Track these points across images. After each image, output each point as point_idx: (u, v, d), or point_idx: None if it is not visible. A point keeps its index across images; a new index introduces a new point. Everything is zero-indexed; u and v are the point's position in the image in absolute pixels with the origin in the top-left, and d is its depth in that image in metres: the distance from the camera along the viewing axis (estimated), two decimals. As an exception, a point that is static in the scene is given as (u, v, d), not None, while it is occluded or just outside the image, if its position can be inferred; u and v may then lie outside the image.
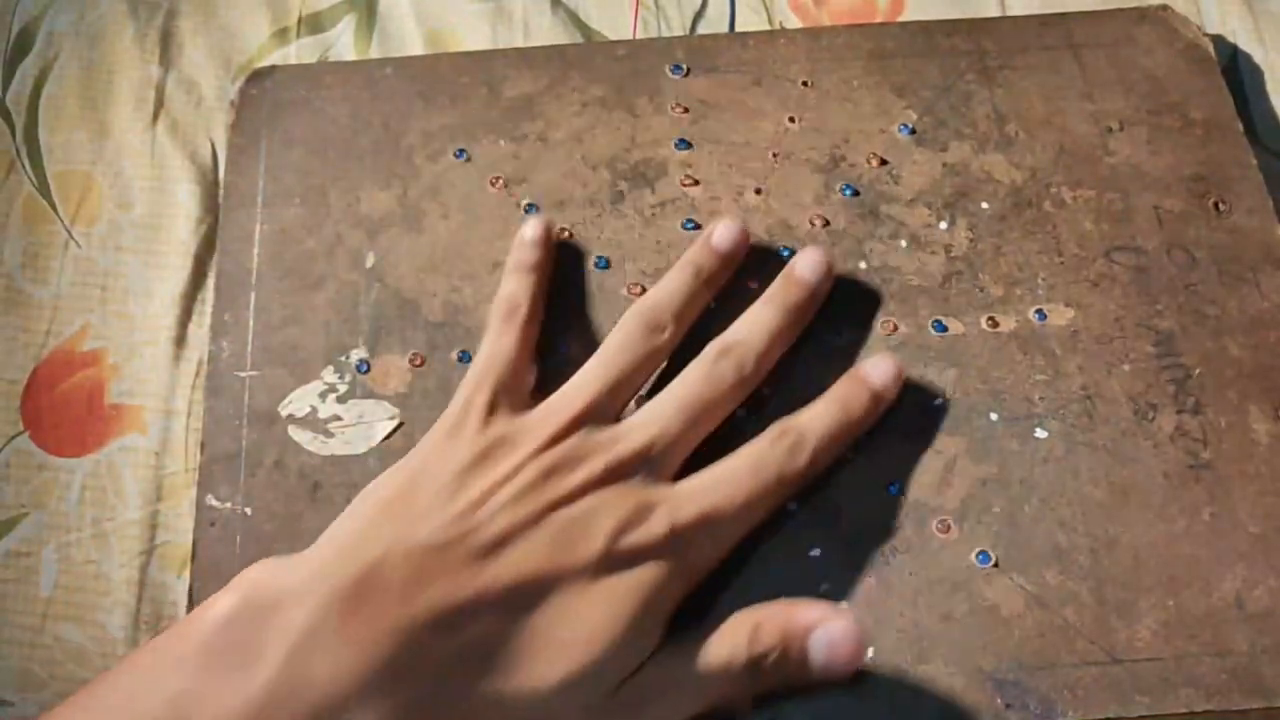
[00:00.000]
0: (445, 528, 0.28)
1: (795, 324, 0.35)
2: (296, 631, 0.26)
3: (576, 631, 0.28)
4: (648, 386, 0.34)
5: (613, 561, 0.29)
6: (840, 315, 0.36)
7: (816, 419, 0.33)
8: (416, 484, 0.30)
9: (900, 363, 0.34)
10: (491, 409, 0.31)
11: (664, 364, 0.34)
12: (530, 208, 0.38)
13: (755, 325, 0.34)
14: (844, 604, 0.32)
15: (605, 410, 0.32)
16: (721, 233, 0.35)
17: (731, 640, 0.29)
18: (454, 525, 0.28)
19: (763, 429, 0.34)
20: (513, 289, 0.35)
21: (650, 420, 0.32)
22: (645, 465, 0.31)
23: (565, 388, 0.32)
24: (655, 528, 0.29)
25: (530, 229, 0.36)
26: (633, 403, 0.33)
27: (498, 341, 0.33)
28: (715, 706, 0.29)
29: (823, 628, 0.29)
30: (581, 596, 0.28)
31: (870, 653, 0.31)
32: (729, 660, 0.29)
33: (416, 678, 0.26)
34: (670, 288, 0.34)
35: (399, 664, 0.26)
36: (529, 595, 0.28)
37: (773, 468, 0.31)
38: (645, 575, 0.29)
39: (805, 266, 0.35)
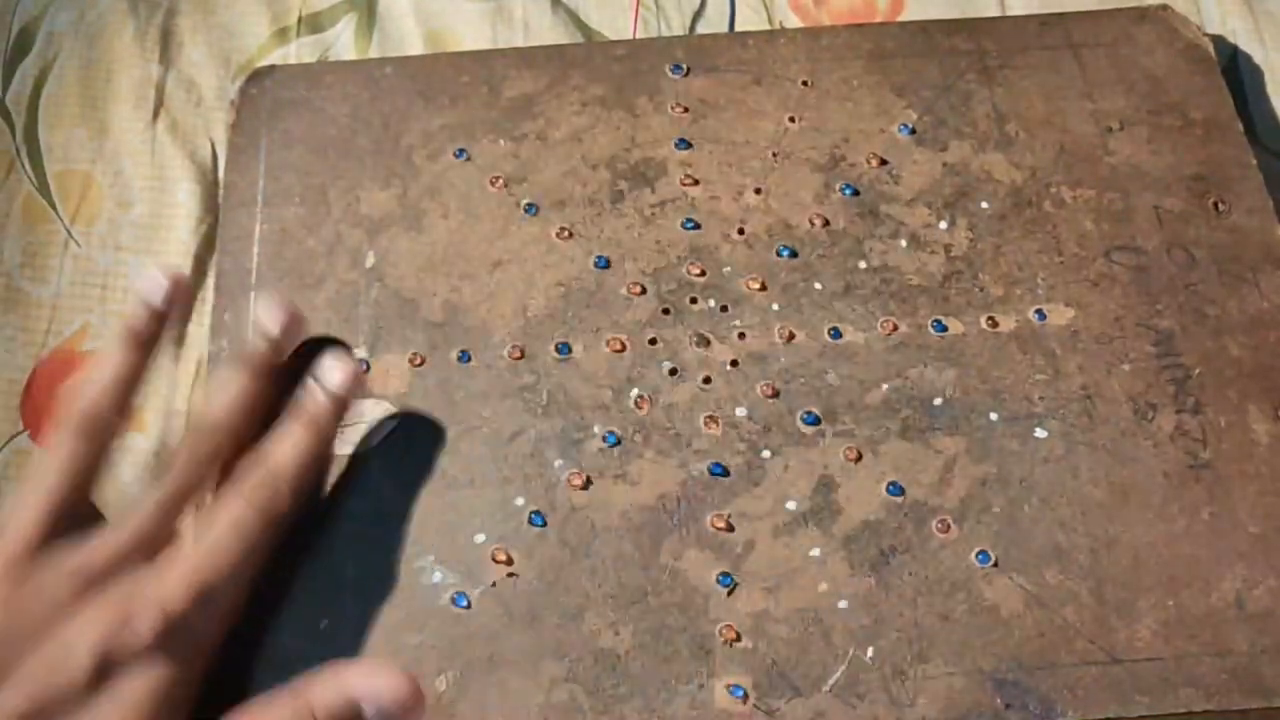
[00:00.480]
0: None
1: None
2: None
3: None
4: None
5: (107, 678, 0.27)
6: (840, 315, 0.36)
7: (285, 450, 0.31)
8: None
9: (353, 363, 0.33)
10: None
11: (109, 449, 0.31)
12: (530, 207, 0.38)
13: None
14: (843, 603, 0.32)
15: (62, 526, 0.29)
16: (145, 284, 0.33)
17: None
18: None
19: (771, 436, 0.34)
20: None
21: (119, 521, 0.30)
22: (124, 565, 0.29)
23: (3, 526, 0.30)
24: (145, 624, 0.28)
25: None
26: None
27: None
28: None
29: (374, 697, 0.28)
30: None
31: (870, 652, 0.31)
32: None
33: None
34: (94, 375, 0.31)
35: None
36: None
37: (256, 519, 0.30)
38: (150, 678, 0.28)
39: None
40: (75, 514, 0.30)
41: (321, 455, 0.33)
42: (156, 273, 0.33)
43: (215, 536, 0.30)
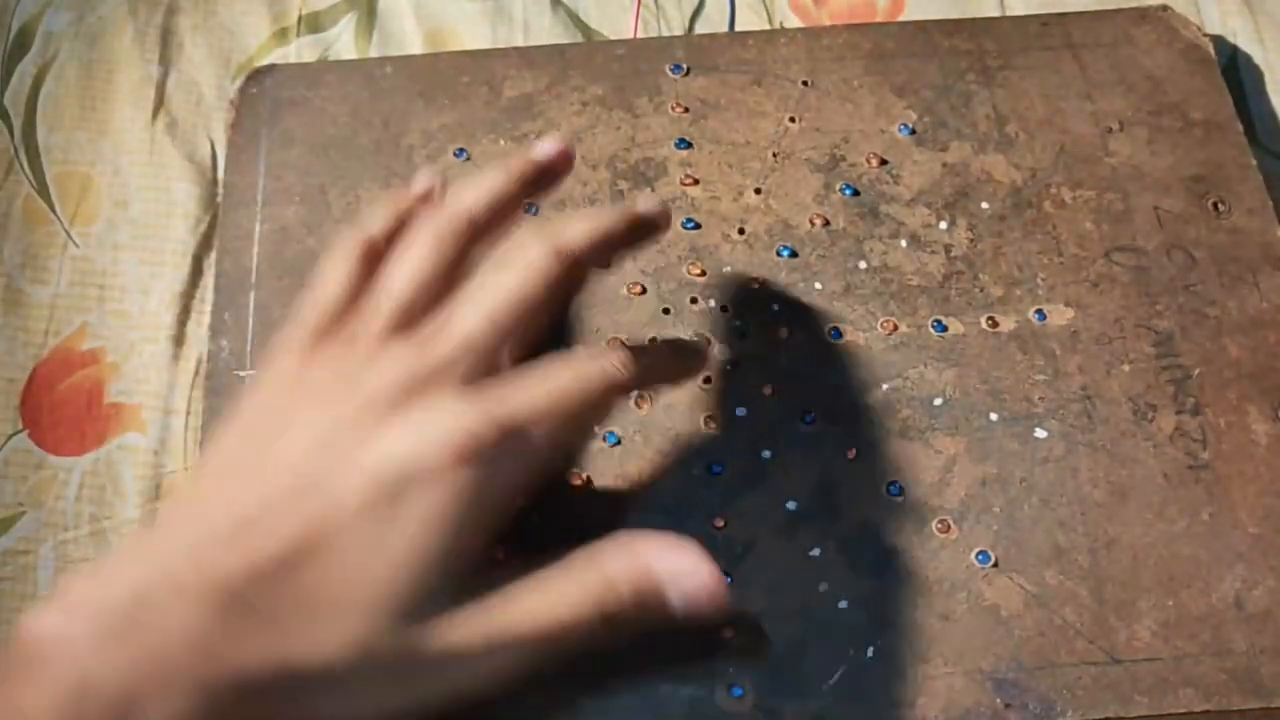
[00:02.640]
0: (214, 517, 0.26)
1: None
2: (67, 676, 0.23)
3: (353, 588, 0.25)
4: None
5: (399, 490, 0.26)
6: (840, 315, 0.36)
7: (643, 354, 0.30)
8: (202, 477, 0.28)
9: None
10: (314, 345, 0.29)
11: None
12: (530, 207, 0.38)
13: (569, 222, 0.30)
14: (843, 603, 0.32)
15: (417, 311, 0.29)
16: (542, 147, 0.31)
17: (582, 595, 0.27)
18: (223, 509, 0.26)
19: (772, 436, 0.34)
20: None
21: (457, 320, 0.28)
22: (459, 364, 0.28)
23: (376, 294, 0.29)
24: (437, 448, 0.26)
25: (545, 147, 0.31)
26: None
27: (322, 272, 0.30)
28: (545, 664, 0.27)
29: (678, 581, 0.27)
30: (358, 544, 0.25)
31: (870, 652, 0.31)
32: (577, 617, 0.27)
33: (200, 681, 0.24)
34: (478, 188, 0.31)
35: (181, 672, 0.24)
36: (298, 556, 0.25)
37: (600, 378, 0.28)
38: (443, 502, 0.26)
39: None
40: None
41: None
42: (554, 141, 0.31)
43: (555, 374, 0.28)
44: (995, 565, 0.32)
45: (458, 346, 0.28)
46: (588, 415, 0.30)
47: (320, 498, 0.26)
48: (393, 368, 0.27)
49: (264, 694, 0.24)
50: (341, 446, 0.27)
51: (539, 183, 0.32)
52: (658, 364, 0.31)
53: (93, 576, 0.25)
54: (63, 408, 0.37)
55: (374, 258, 0.30)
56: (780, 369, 0.35)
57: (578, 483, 0.34)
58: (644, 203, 0.32)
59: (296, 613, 0.25)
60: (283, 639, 0.25)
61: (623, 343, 0.31)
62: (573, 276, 0.30)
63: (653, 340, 0.35)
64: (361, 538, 0.25)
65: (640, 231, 0.32)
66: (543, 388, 0.28)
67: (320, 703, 0.25)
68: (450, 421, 0.26)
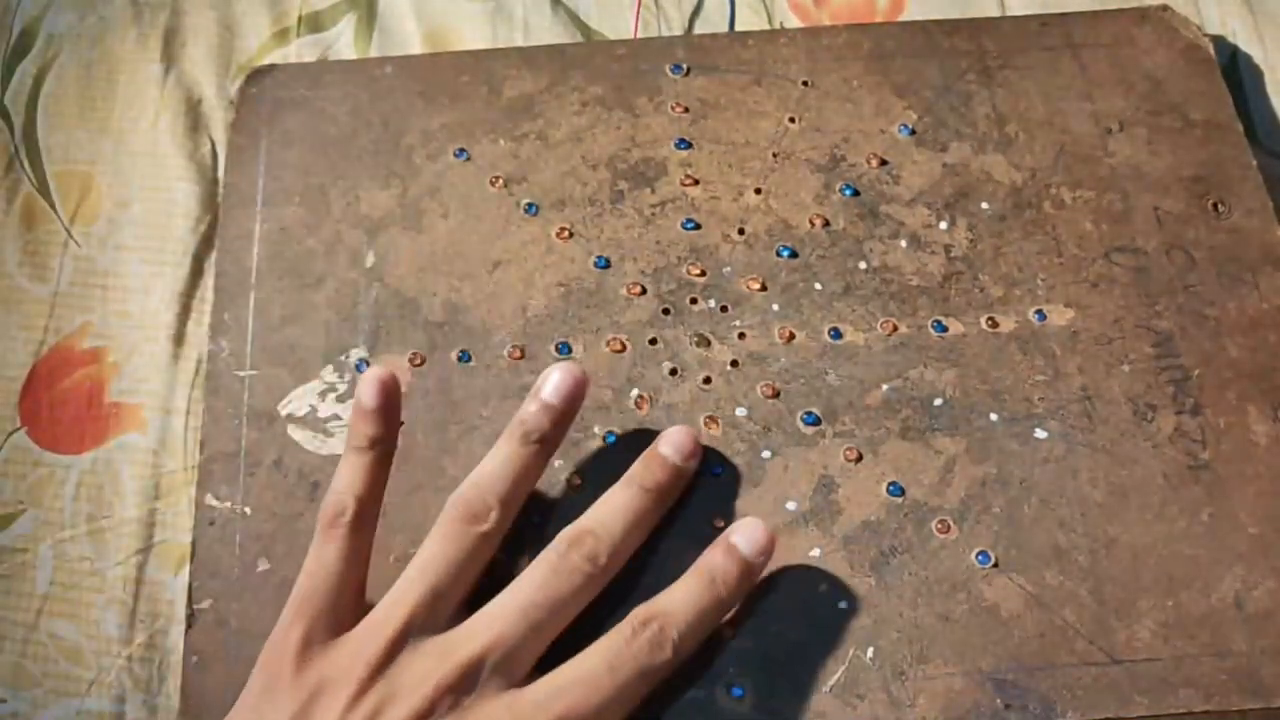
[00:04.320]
0: None
1: (657, 508, 0.32)
2: None
3: None
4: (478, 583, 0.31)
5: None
6: (840, 315, 0.36)
7: (682, 603, 0.30)
8: None
9: (771, 530, 0.31)
10: (305, 648, 0.28)
11: (493, 553, 0.31)
12: (530, 207, 0.38)
13: (612, 511, 0.31)
14: (843, 603, 0.32)
15: (431, 621, 0.29)
16: (553, 383, 0.31)
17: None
18: None
19: (771, 436, 0.34)
20: (340, 484, 0.30)
21: (488, 625, 0.28)
22: (481, 677, 0.28)
23: (383, 602, 0.29)
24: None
25: (367, 391, 0.31)
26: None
27: (316, 559, 0.30)
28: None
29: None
30: None
31: (870, 652, 0.31)
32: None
33: None
34: (491, 466, 0.31)
35: None
36: None
37: (632, 664, 0.28)
38: None
39: (670, 446, 0.32)
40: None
41: (722, 613, 0.31)
42: (564, 370, 0.32)
43: (593, 674, 0.28)
44: (995, 565, 0.32)
45: (478, 655, 0.28)
46: (630, 704, 0.29)
47: None
48: (433, 680, 0.27)
49: None
50: None
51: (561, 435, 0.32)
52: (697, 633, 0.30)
53: None
54: (62, 406, 0.37)
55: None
56: (780, 369, 0.35)
57: (578, 483, 0.34)
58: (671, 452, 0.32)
59: None
60: None
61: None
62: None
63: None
64: None
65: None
66: (583, 692, 0.28)
67: None
68: None
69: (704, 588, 0.30)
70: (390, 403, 0.31)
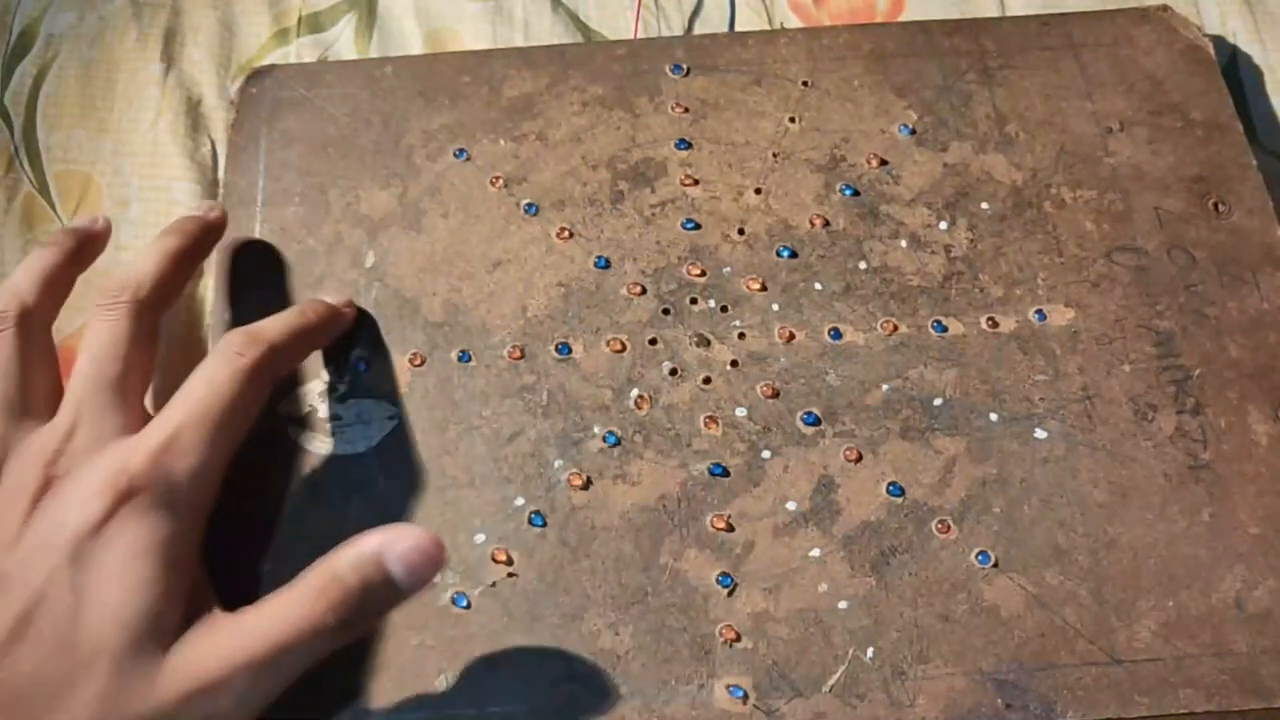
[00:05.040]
0: None
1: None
2: None
3: (77, 636, 0.26)
4: None
5: (84, 554, 0.27)
6: (840, 315, 0.36)
7: (274, 320, 0.33)
8: None
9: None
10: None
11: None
12: (530, 207, 0.38)
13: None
14: (843, 604, 0.32)
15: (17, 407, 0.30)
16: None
17: (308, 599, 0.27)
18: None
19: (771, 436, 0.34)
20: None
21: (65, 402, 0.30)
22: (74, 439, 0.29)
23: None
24: (104, 496, 0.27)
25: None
26: None
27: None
28: (298, 673, 0.27)
29: (393, 550, 0.28)
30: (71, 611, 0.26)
31: (870, 652, 0.31)
32: (312, 617, 0.27)
33: None
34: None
35: None
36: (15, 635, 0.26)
37: (226, 368, 0.31)
38: (145, 529, 0.27)
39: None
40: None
41: (313, 334, 0.34)
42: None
43: (186, 394, 0.30)
44: (995, 565, 0.32)
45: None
46: (239, 413, 0.31)
47: (13, 591, 0.26)
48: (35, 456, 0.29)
49: None
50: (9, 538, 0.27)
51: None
52: (288, 341, 0.33)
53: None
54: (62, 407, 0.37)
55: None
56: (780, 369, 0.35)
57: (578, 483, 0.34)
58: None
59: (31, 696, 0.25)
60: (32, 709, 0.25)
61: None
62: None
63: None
64: (64, 609, 0.26)
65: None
66: (182, 409, 0.30)
67: None
68: (99, 473, 0.28)
69: (295, 313, 0.34)
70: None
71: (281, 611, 0.27)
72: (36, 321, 0.32)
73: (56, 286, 0.33)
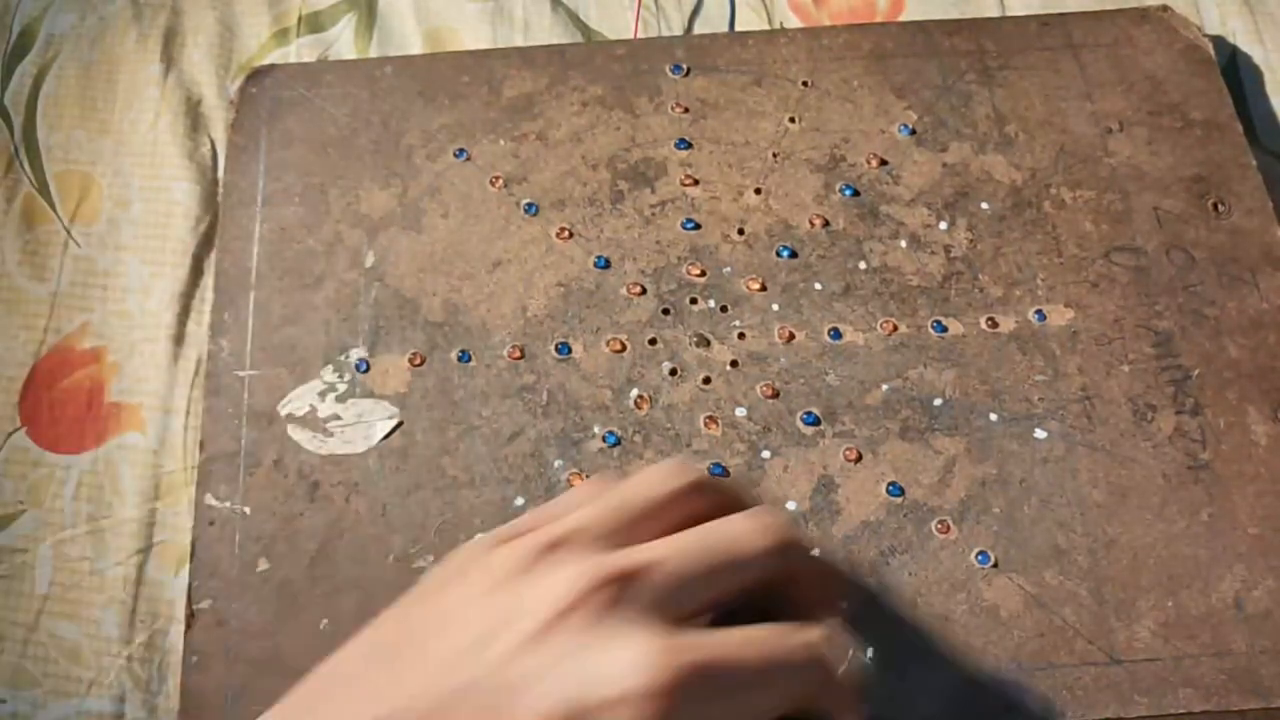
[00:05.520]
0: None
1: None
2: None
3: None
4: None
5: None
6: (840, 315, 0.36)
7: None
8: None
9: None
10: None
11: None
12: (530, 207, 0.38)
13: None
14: (843, 604, 0.32)
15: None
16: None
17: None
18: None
19: (771, 436, 0.34)
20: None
21: (659, 546, 0.26)
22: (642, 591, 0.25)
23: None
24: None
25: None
26: None
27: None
28: None
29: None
30: None
31: (870, 653, 0.31)
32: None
33: None
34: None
35: None
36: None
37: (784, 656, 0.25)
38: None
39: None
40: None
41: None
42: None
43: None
44: (995, 565, 0.32)
45: (657, 570, 0.25)
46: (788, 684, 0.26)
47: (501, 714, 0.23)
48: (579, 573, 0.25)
49: None
50: (526, 665, 0.24)
51: None
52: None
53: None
54: (62, 406, 0.37)
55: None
56: (780, 369, 0.35)
57: (578, 483, 0.34)
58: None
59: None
60: None
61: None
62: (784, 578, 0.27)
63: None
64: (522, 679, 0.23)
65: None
66: (747, 644, 0.25)
67: None
68: (643, 651, 0.23)
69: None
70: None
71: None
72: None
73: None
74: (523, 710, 0.23)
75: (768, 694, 0.25)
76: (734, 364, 0.35)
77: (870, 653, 0.31)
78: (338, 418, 0.35)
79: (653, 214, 0.38)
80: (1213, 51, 0.40)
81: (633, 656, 0.23)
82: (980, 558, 0.33)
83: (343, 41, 0.44)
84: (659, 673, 0.23)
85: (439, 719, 0.23)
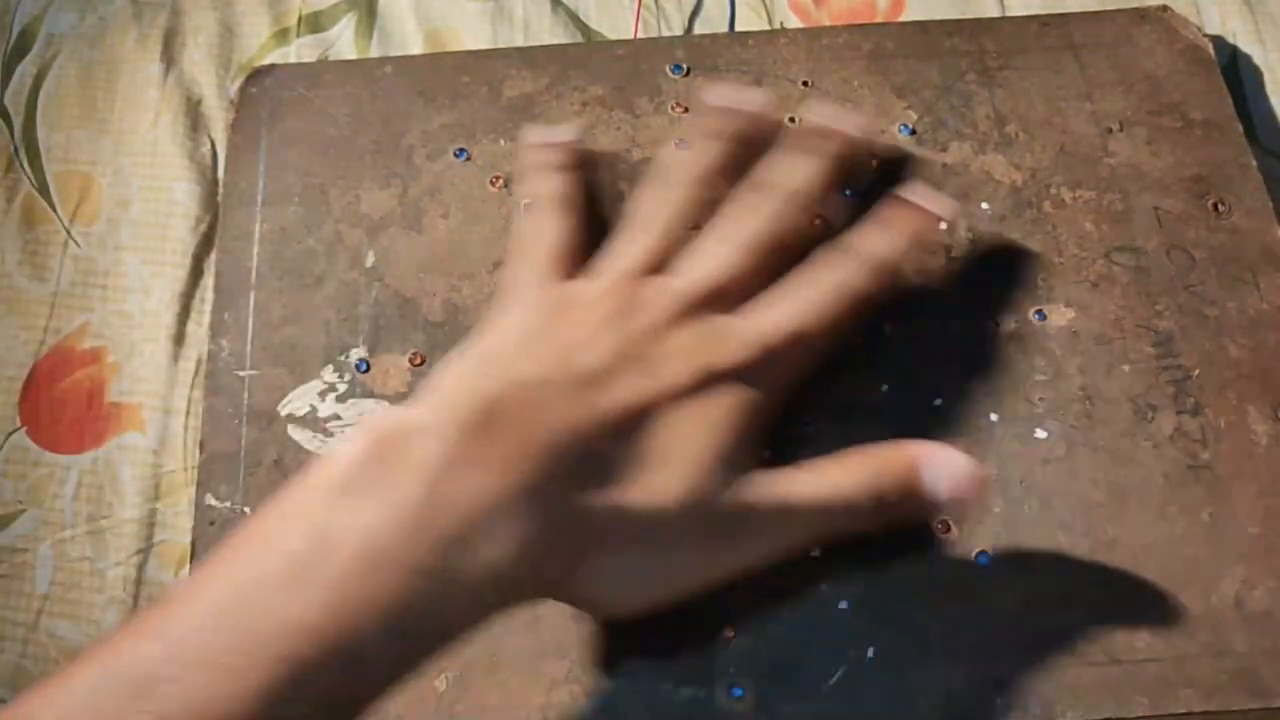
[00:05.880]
0: (548, 366, 0.29)
1: (829, 164, 0.35)
2: (431, 460, 0.26)
3: (682, 449, 0.29)
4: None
5: (707, 383, 0.30)
6: (840, 315, 0.36)
7: (881, 241, 0.34)
8: (504, 341, 0.30)
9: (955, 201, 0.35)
10: (550, 272, 0.33)
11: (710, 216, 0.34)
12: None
13: (787, 165, 0.35)
14: (843, 604, 0.32)
15: (661, 263, 0.33)
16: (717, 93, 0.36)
17: (855, 476, 0.30)
18: (555, 364, 0.29)
19: (771, 436, 0.34)
20: (551, 187, 0.36)
21: (709, 260, 0.32)
22: (717, 303, 0.31)
23: (614, 248, 0.33)
24: (741, 351, 0.30)
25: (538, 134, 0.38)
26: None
27: (540, 224, 0.34)
28: (824, 539, 0.31)
29: (946, 469, 0.30)
30: (682, 418, 0.29)
31: (870, 652, 0.31)
32: (851, 495, 0.30)
33: (546, 496, 0.27)
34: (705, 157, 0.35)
35: (529, 484, 0.26)
36: (633, 419, 0.29)
37: (847, 290, 0.32)
38: (737, 394, 0.30)
39: (819, 115, 0.36)
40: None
41: (909, 260, 0.35)
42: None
43: (812, 294, 0.32)
44: (995, 566, 0.32)
45: (709, 285, 0.32)
46: (848, 317, 0.33)
47: (649, 378, 0.29)
48: (672, 299, 0.31)
49: (601, 535, 0.27)
50: (658, 344, 0.30)
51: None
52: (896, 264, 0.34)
53: (423, 408, 0.27)
54: (62, 406, 0.37)
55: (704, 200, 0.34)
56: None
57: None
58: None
59: (633, 466, 0.28)
60: (620, 488, 0.28)
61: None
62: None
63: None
64: (684, 412, 0.29)
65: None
66: (811, 308, 0.32)
67: (643, 549, 0.29)
68: (737, 338, 0.31)
69: (899, 234, 0.34)
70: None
71: (828, 481, 0.30)
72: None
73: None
74: (665, 373, 0.30)
75: (844, 324, 0.33)
76: (734, 364, 0.35)
77: (870, 652, 0.31)
78: (338, 418, 0.35)
79: (653, 214, 0.38)
80: (1213, 51, 0.40)
81: (731, 344, 0.31)
82: (980, 558, 0.33)
83: (343, 41, 0.44)
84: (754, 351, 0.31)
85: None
